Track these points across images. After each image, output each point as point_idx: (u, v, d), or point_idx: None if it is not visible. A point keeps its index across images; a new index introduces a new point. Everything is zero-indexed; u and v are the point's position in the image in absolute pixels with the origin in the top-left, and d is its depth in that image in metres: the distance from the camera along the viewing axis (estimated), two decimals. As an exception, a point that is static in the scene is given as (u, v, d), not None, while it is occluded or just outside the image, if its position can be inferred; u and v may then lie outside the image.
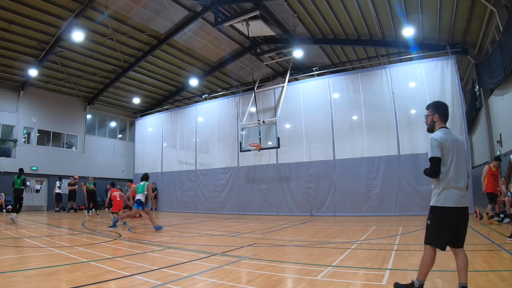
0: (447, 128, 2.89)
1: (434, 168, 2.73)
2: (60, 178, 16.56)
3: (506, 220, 8.08)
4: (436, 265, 3.82)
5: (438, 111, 2.93)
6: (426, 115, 3.00)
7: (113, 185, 11.13)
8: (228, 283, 3.36)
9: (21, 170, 11.05)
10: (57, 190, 16.25)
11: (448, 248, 2.77)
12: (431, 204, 2.78)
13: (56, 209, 16.25)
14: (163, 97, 20.69)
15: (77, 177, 16.54)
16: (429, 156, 2.76)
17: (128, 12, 12.98)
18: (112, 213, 10.29)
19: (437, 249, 2.73)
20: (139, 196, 8.94)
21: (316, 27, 13.73)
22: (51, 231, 8.46)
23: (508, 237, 5.66)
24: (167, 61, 16.98)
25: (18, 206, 10.68)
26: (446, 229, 2.67)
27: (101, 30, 13.73)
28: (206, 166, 16.96)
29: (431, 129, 2.96)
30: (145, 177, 9.28)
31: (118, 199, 10.34)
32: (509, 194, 7.99)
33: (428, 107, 3.01)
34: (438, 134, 2.81)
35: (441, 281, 3.24)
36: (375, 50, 15.02)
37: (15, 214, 10.39)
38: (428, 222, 2.78)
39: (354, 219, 10.81)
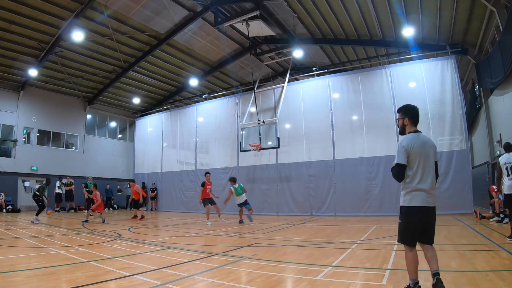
0: (417, 131, 3.01)
1: (398, 173, 2.91)
2: (60, 178, 16.57)
3: (506, 220, 8.09)
4: (436, 265, 3.83)
5: (408, 114, 3.05)
6: (397, 119, 3.14)
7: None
8: (228, 283, 3.36)
9: (47, 179, 11.34)
10: (57, 190, 16.25)
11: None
12: (400, 204, 2.97)
13: (56, 209, 16.24)
14: (163, 97, 20.69)
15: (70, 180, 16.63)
16: (395, 162, 2.93)
17: (128, 12, 12.98)
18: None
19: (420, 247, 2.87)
20: (241, 199, 10.05)
21: (316, 27, 13.73)
22: (51, 231, 8.45)
23: (508, 237, 5.66)
24: (167, 61, 16.98)
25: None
26: (413, 227, 2.84)
27: (101, 30, 13.73)
28: (206, 166, 16.93)
29: (402, 132, 3.11)
30: (235, 179, 10.61)
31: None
32: (500, 196, 8.00)
33: (399, 111, 3.14)
34: (405, 140, 2.95)
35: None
36: (375, 50, 15.01)
37: (34, 216, 10.51)
38: (399, 221, 2.96)
39: (354, 219, 10.81)
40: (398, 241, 2.96)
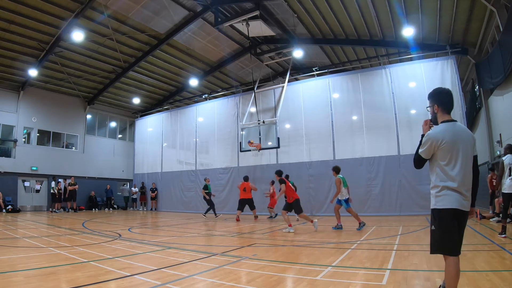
0: (451, 120, 2.53)
1: (416, 162, 2.59)
2: (54, 177, 16.55)
3: (508, 220, 8.10)
4: (436, 265, 3.83)
5: (437, 100, 2.58)
6: (427, 107, 2.70)
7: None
8: (228, 283, 3.36)
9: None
10: (51, 191, 16.28)
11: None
12: (431, 207, 2.51)
13: (54, 209, 16.19)
14: (163, 97, 20.69)
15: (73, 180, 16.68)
16: (418, 150, 2.56)
17: (128, 12, 12.98)
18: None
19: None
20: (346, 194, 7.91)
21: (316, 27, 13.73)
22: (51, 231, 8.45)
23: (499, 233, 5.80)
24: (167, 61, 16.97)
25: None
26: (451, 232, 2.38)
27: (101, 30, 13.73)
28: (206, 166, 16.95)
29: (435, 122, 2.62)
30: (339, 168, 8.30)
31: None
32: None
33: (428, 97, 2.68)
34: (435, 131, 2.50)
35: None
36: (375, 50, 15.00)
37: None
38: (433, 227, 2.47)
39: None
40: (433, 252, 2.46)
